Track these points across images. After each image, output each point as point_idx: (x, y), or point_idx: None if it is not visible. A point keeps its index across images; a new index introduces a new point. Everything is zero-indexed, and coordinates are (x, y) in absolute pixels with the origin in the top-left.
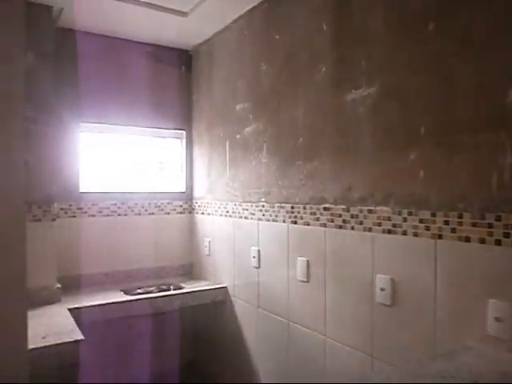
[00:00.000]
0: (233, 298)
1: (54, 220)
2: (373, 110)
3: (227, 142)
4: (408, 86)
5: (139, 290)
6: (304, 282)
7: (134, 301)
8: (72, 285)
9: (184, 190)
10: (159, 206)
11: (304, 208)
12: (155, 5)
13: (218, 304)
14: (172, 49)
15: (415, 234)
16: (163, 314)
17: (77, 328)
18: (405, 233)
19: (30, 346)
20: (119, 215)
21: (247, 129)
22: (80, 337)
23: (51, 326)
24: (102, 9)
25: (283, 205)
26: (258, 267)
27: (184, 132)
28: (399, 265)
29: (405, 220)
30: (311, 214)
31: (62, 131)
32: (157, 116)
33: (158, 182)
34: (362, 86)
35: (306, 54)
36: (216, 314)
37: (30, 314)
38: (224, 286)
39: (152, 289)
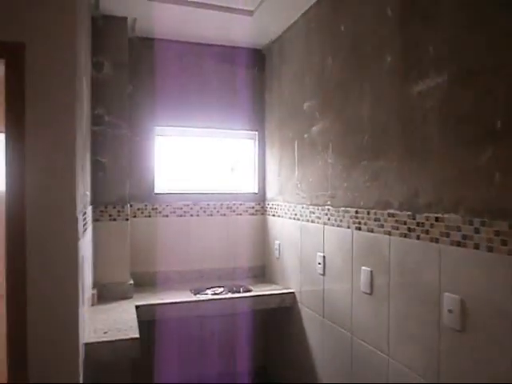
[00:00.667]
0: (300, 305)
1: (127, 220)
2: (442, 102)
3: (296, 142)
4: (483, 73)
5: (208, 291)
6: (367, 294)
7: (201, 301)
8: (146, 281)
9: (256, 191)
10: (231, 208)
11: (368, 213)
12: (221, 6)
13: (285, 309)
14: (244, 49)
15: (489, 249)
16: (231, 316)
17: (136, 326)
18: (477, 246)
19: (91, 340)
20: (191, 216)
21: (314, 128)
22: (135, 335)
23: (116, 321)
24: (174, 16)
25: (348, 209)
26: (323, 274)
27: (257, 133)
28: (470, 284)
29: (477, 231)
30: (375, 220)
31: (138, 135)
32: (230, 117)
33: (230, 183)
34: (429, 76)
35: (370, 44)
36: (283, 320)
37: (101, 308)
38: (291, 291)
39: (221, 290)
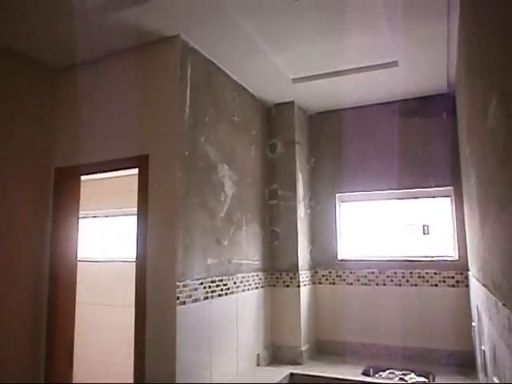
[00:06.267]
0: None
1: (298, 287)
2: None
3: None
4: None
5: (385, 372)
6: None
7: (358, 382)
8: (329, 350)
9: (456, 257)
10: (423, 277)
11: None
12: (365, 66)
13: None
14: (425, 98)
15: None
16: None
17: None
18: None
19: None
20: (377, 285)
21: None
22: None
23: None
24: (330, 87)
25: None
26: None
27: (452, 188)
28: None
29: None
30: None
31: (320, 203)
32: (418, 174)
33: (422, 248)
34: None
35: None
36: None
37: (260, 369)
38: None
39: (399, 373)
